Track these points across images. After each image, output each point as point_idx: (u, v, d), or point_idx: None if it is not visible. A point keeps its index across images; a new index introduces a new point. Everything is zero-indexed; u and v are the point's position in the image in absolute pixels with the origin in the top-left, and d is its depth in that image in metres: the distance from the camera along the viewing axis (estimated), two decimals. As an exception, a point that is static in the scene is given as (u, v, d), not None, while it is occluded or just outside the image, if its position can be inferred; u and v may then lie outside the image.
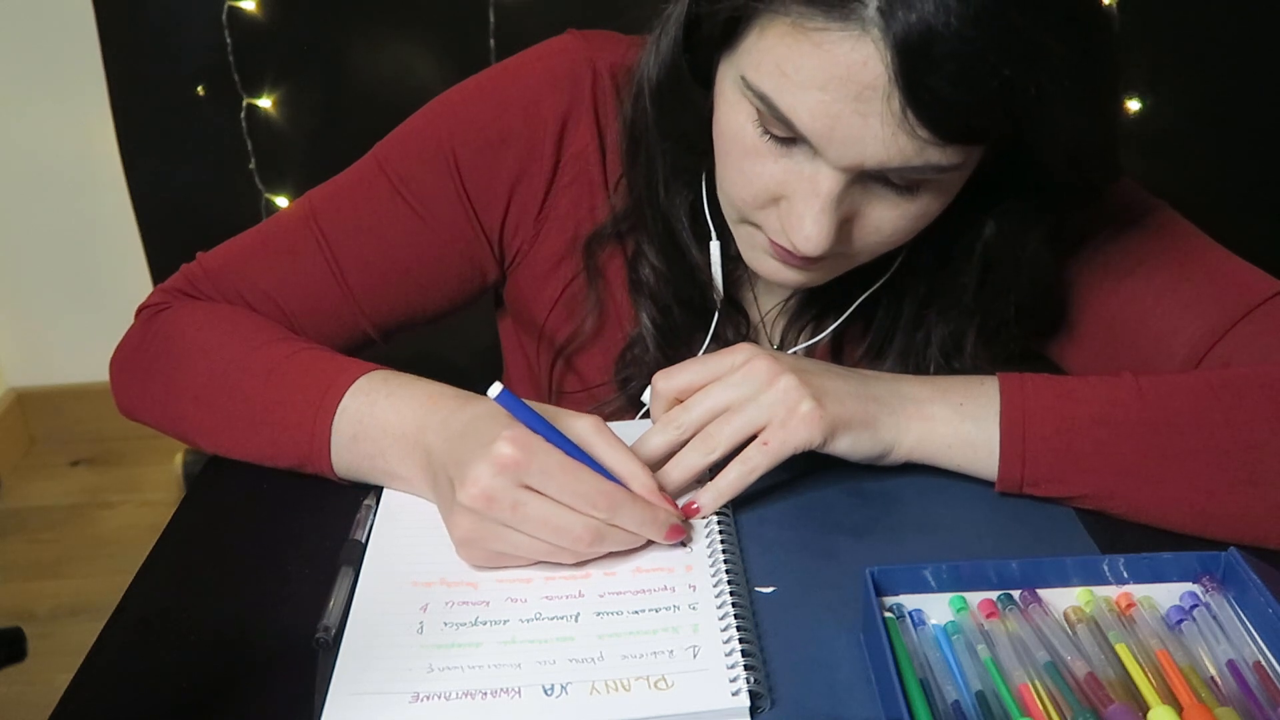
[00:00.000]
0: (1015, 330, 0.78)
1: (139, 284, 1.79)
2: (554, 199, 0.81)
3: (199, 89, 1.60)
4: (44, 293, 2.12)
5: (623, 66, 0.77)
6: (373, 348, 0.84)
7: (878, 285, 0.79)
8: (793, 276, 0.71)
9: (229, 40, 1.56)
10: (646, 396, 0.73)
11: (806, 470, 0.71)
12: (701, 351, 0.81)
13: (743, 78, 0.63)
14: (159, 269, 1.74)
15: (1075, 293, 0.79)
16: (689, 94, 0.71)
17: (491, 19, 1.54)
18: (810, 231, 0.64)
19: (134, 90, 1.61)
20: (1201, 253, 0.77)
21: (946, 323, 0.78)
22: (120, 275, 2.00)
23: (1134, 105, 1.60)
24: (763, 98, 0.62)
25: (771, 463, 0.65)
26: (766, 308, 0.84)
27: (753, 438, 0.65)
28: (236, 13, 1.55)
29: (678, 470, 0.66)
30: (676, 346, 0.82)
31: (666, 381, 0.69)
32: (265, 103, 1.61)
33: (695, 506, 0.66)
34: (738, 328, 0.83)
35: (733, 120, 0.66)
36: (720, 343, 0.81)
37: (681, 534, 0.64)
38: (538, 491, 0.60)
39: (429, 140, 0.79)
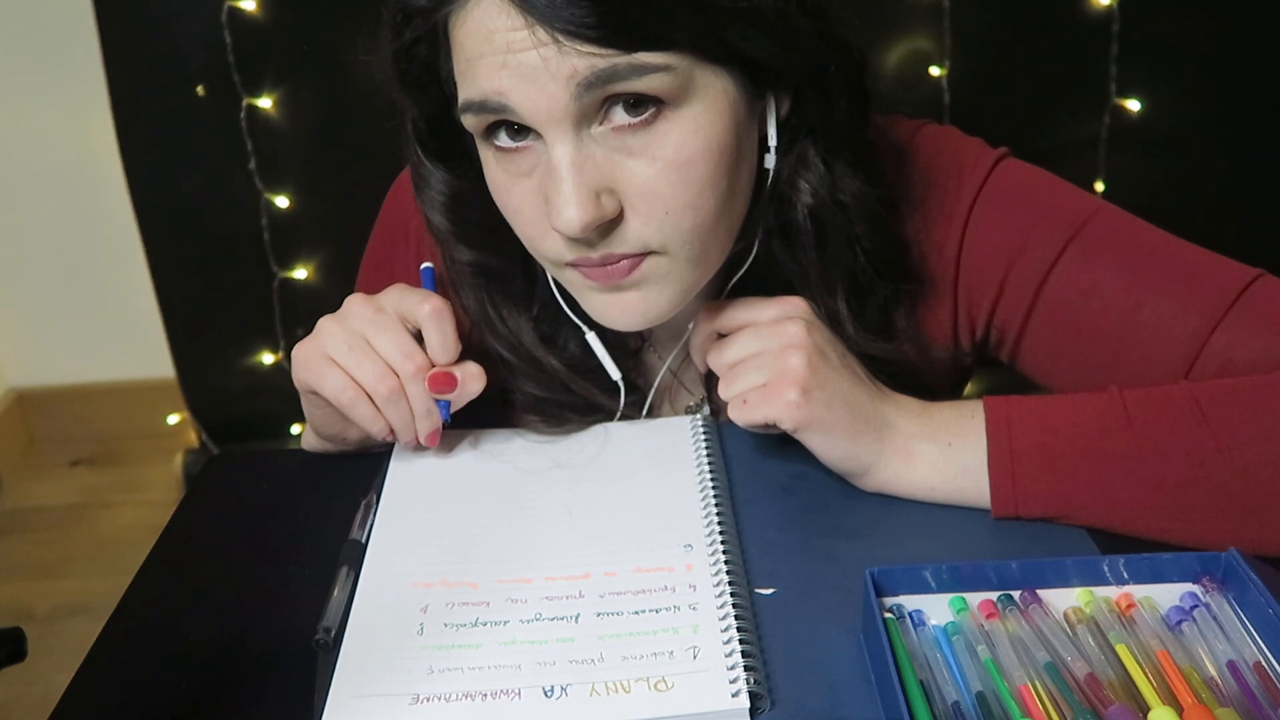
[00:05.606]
0: (880, 285, 0.75)
1: (139, 284, 1.78)
2: None
3: (199, 89, 1.60)
4: (44, 293, 2.12)
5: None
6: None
7: (738, 276, 0.75)
8: (629, 302, 0.68)
9: (229, 40, 1.56)
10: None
11: (806, 472, 0.71)
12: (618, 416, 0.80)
13: (457, 109, 0.64)
14: (159, 269, 1.74)
15: (1049, 314, 0.75)
16: (469, 196, 0.72)
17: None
18: (562, 206, 0.61)
19: (134, 90, 1.61)
20: (1158, 250, 0.74)
21: (817, 300, 0.74)
22: (120, 275, 2.00)
23: (1134, 105, 1.60)
24: (465, 106, 0.63)
25: (742, 420, 0.68)
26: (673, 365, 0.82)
27: None
28: (236, 13, 1.55)
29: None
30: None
31: (709, 322, 0.74)
32: (265, 103, 1.60)
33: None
34: (640, 404, 0.81)
35: (488, 174, 0.67)
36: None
37: (435, 442, 0.71)
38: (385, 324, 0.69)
39: None
